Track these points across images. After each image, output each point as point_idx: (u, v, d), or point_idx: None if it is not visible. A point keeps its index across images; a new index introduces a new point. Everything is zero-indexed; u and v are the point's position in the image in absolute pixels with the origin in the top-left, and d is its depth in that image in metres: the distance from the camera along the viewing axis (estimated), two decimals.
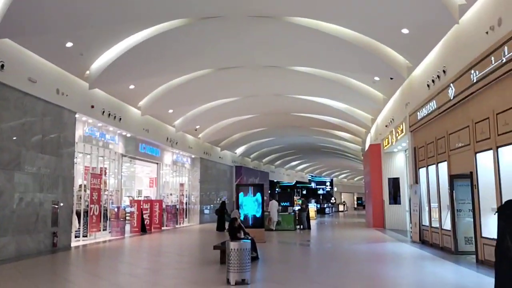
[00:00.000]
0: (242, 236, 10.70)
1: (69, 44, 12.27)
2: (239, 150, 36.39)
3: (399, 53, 13.57)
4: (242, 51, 15.22)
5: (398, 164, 20.79)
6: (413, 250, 13.24)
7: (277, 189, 47.66)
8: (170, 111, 21.35)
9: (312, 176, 63.65)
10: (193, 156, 28.21)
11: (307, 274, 9.81)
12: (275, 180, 49.04)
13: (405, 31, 11.48)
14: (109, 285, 8.51)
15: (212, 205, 29.91)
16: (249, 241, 8.38)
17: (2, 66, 10.99)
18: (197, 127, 25.81)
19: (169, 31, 12.70)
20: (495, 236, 9.12)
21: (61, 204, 13.75)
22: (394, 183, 20.63)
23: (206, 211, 29.08)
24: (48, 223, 13.09)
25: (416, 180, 14.86)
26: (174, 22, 12.54)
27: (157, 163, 24.20)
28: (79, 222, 15.61)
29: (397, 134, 17.36)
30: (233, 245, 7.90)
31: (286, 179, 53.74)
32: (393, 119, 17.97)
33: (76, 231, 15.39)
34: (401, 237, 16.83)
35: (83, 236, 15.74)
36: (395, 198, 20.53)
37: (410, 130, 15.33)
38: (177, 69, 16.43)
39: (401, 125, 16.51)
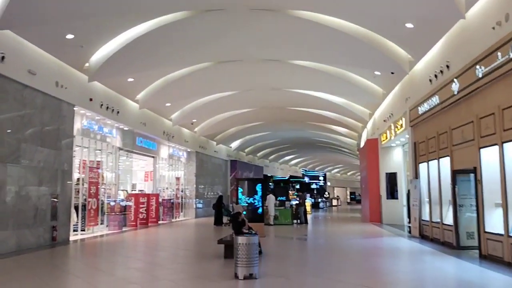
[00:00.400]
0: (246, 230, 10.63)
1: (69, 36, 12.08)
2: (234, 144, 36.31)
3: (402, 47, 13.51)
4: (242, 44, 15.08)
5: (395, 159, 20.79)
6: (414, 244, 13.26)
7: (270, 184, 47.57)
8: (168, 104, 21.18)
9: (305, 170, 63.65)
10: (189, 150, 28.09)
11: (312, 268, 9.84)
12: (268, 174, 48.99)
13: (409, 25, 11.43)
14: (116, 280, 8.44)
15: (206, 199, 29.76)
16: (257, 235, 8.32)
17: (3, 58, 10.79)
18: (194, 120, 25.68)
19: (170, 24, 12.53)
20: (499, 231, 9.28)
21: (60, 198, 13.60)
22: (391, 178, 20.63)
23: (199, 205, 28.89)
24: (47, 217, 12.95)
25: (416, 175, 14.87)
26: (174, 15, 12.38)
27: (153, 157, 24.03)
28: (77, 216, 15.49)
29: (396, 129, 17.33)
30: (241, 239, 7.85)
31: (279, 174, 53.75)
32: (392, 114, 17.94)
33: (74, 225, 15.27)
34: (399, 231, 16.88)
35: (81, 230, 15.61)
36: (392, 193, 20.53)
37: (410, 125, 15.29)
38: (177, 62, 16.28)
39: (401, 120, 16.47)
